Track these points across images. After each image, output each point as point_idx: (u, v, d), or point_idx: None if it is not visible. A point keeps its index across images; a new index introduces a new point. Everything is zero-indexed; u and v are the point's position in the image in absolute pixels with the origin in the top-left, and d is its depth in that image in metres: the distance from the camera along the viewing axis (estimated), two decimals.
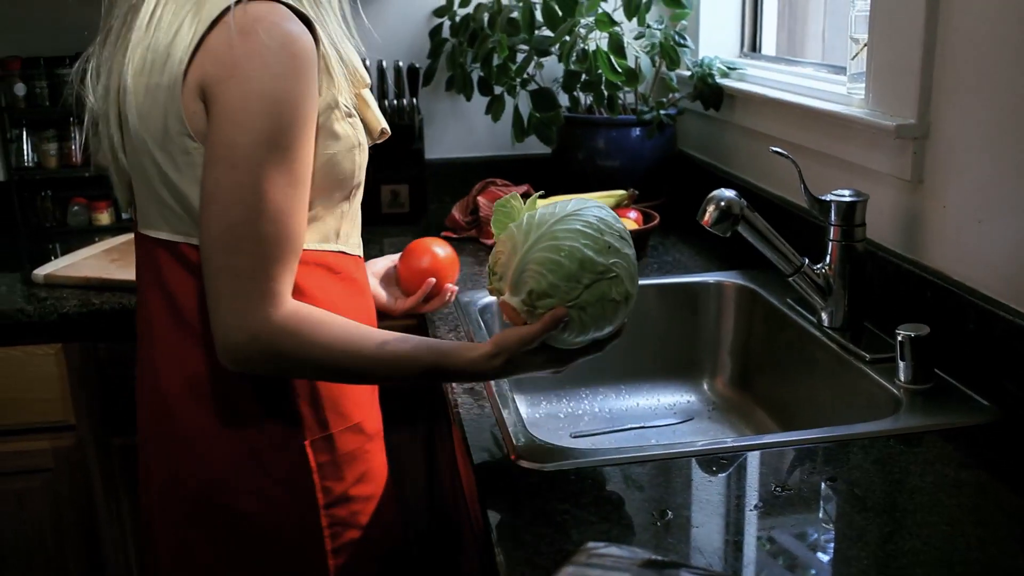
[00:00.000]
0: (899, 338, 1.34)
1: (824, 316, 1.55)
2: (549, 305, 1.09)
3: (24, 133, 2.36)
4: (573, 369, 1.22)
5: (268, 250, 1.08)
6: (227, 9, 1.06)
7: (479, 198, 2.16)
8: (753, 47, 2.34)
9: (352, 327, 1.14)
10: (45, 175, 2.37)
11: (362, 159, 1.23)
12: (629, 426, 1.68)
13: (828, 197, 1.51)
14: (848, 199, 1.49)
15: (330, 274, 1.24)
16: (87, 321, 1.84)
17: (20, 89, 2.32)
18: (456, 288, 1.60)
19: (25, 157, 2.37)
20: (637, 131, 2.22)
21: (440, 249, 1.62)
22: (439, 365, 1.15)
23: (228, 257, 1.07)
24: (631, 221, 1.99)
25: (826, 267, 1.53)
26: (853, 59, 1.70)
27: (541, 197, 1.21)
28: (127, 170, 1.19)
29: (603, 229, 1.11)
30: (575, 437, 1.64)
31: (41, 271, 1.97)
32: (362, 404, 1.30)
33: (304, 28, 1.09)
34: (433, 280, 1.56)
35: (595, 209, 1.13)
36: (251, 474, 1.20)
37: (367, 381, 1.25)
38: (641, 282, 1.80)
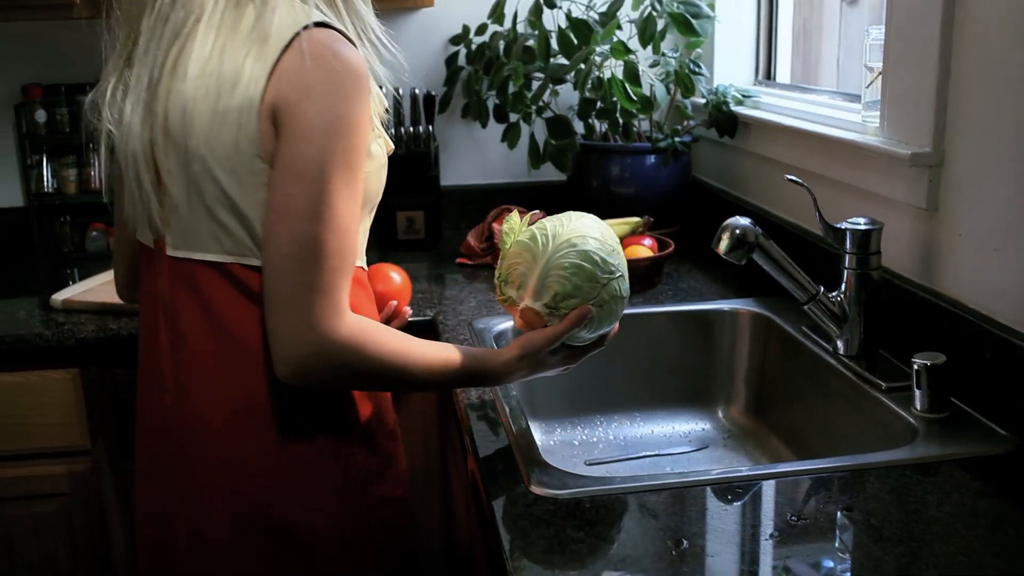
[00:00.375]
0: (915, 367, 1.34)
1: (839, 344, 1.55)
2: (572, 305, 1.22)
3: (44, 159, 2.38)
4: (582, 365, 1.31)
5: (335, 264, 1.12)
6: (296, 35, 1.11)
7: (494, 225, 2.17)
8: (768, 75, 2.35)
9: (403, 337, 1.20)
10: (64, 201, 2.40)
11: (384, 177, 1.28)
12: (644, 454, 1.67)
13: (843, 225, 1.51)
14: (863, 227, 1.49)
15: (358, 287, 1.27)
16: (104, 346, 1.86)
17: (41, 116, 2.35)
18: (411, 311, 1.64)
19: (45, 183, 2.39)
20: (652, 158, 2.23)
21: (396, 275, 1.70)
22: (477, 370, 1.24)
23: (299, 271, 1.11)
24: (646, 248, 1.99)
25: (841, 295, 1.53)
26: (868, 87, 1.70)
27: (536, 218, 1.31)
28: (170, 195, 1.19)
29: (606, 236, 1.26)
30: (590, 464, 1.63)
31: (59, 296, 1.98)
32: (392, 409, 1.35)
33: (359, 53, 1.15)
34: (395, 302, 1.61)
35: (592, 219, 1.28)
36: (304, 487, 1.22)
37: (416, 388, 1.29)
38: (656, 309, 1.82)
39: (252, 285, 1.18)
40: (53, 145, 2.38)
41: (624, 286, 1.25)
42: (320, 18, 1.13)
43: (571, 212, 1.28)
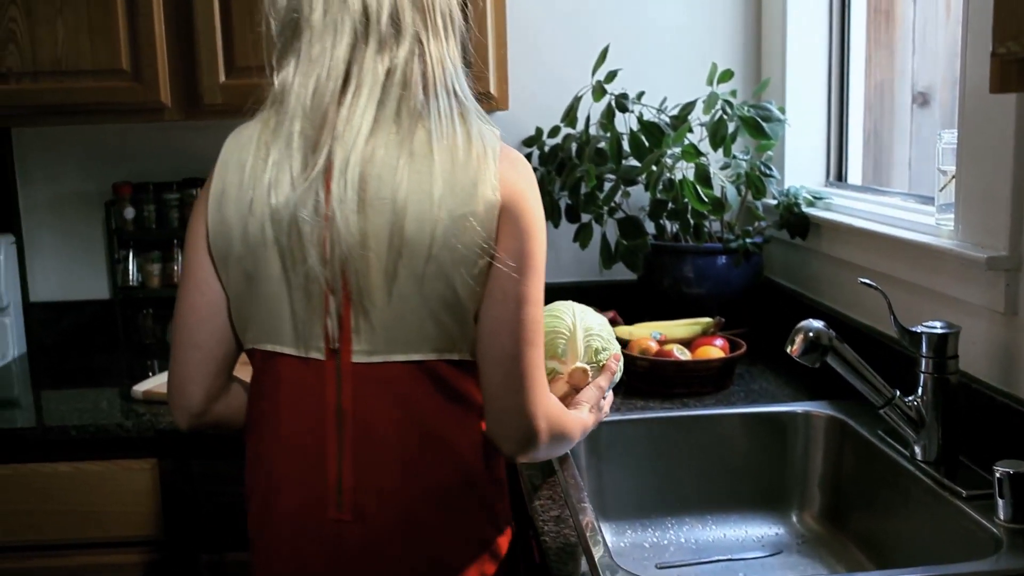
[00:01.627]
0: (997, 475, 1.31)
1: (917, 449, 1.52)
2: (606, 356, 1.56)
3: (131, 254, 2.47)
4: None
5: (543, 340, 1.29)
6: (497, 147, 1.25)
7: None
8: (839, 176, 2.36)
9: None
10: (148, 294, 2.48)
11: None
12: (716, 558, 1.64)
13: (919, 329, 1.49)
14: (939, 331, 1.48)
15: None
16: (182, 438, 1.89)
17: (129, 213, 2.44)
18: None
19: (130, 277, 2.48)
20: (723, 259, 2.23)
21: None
22: (584, 428, 1.44)
23: (531, 352, 1.26)
24: (717, 349, 1.98)
25: (918, 399, 1.50)
26: (941, 190, 1.70)
27: None
28: (390, 298, 1.22)
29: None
30: (660, 568, 1.61)
31: (140, 387, 2.03)
32: None
33: None
34: None
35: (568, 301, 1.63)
36: (483, 564, 1.31)
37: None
38: (728, 411, 1.81)
39: (449, 379, 1.26)
40: (139, 240, 2.48)
41: None
42: (498, 131, 1.29)
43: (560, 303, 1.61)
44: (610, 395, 1.59)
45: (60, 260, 2.52)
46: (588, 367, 1.53)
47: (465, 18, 1.35)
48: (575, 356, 1.52)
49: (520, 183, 1.25)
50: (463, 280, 1.21)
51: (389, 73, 1.21)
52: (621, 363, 1.59)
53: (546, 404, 1.29)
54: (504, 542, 1.35)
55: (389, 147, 1.20)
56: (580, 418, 1.42)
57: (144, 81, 2.10)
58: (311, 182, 1.19)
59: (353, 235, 1.18)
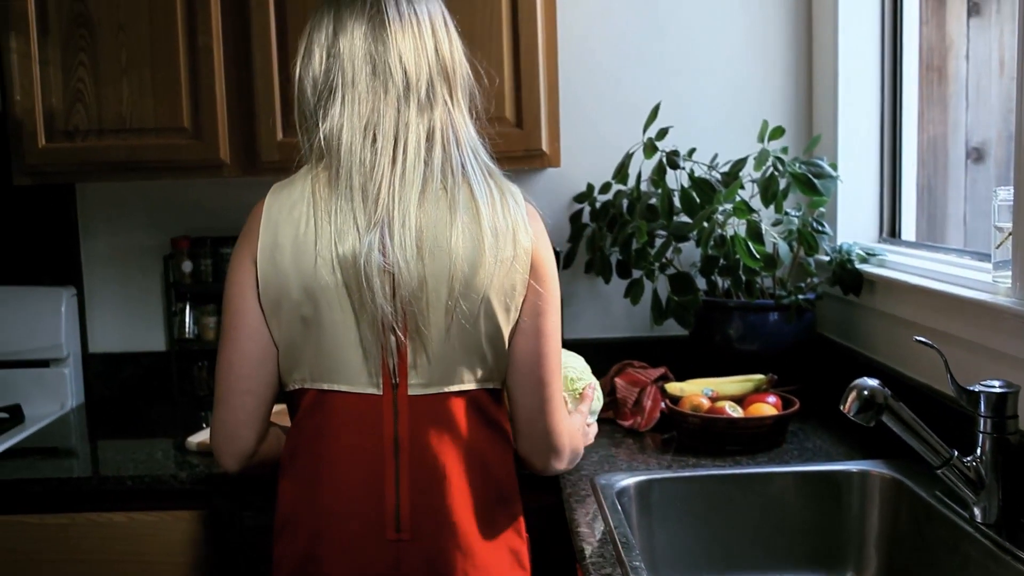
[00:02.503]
0: None
1: (976, 511, 1.49)
2: (582, 385, 1.80)
3: (187, 307, 2.52)
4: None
5: None
6: (522, 200, 1.44)
7: (616, 379, 2.17)
8: (892, 232, 2.34)
9: None
10: (202, 346, 2.51)
11: None
12: None
13: (977, 388, 1.47)
14: (998, 390, 1.45)
15: None
16: (234, 490, 1.91)
17: (187, 266, 2.49)
18: None
19: (187, 329, 2.52)
20: (775, 315, 2.22)
21: None
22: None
23: (557, 379, 1.47)
24: (770, 406, 1.96)
25: (977, 459, 1.47)
26: (998, 247, 1.68)
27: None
28: (449, 334, 1.37)
29: None
30: None
31: (194, 439, 2.06)
32: None
33: None
34: None
35: None
36: (516, 573, 1.47)
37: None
38: (781, 469, 1.79)
39: (485, 405, 1.44)
40: (196, 293, 2.52)
41: None
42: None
43: None
44: (595, 424, 1.84)
45: (119, 312, 2.57)
46: (567, 396, 1.75)
47: (517, 77, 1.49)
48: None
49: (542, 232, 1.45)
50: (503, 317, 1.39)
51: (430, 135, 1.37)
52: (599, 391, 1.85)
53: (567, 423, 1.52)
54: (527, 552, 1.51)
55: (440, 202, 1.36)
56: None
57: (204, 139, 2.16)
58: (374, 232, 1.33)
59: (415, 279, 1.33)
